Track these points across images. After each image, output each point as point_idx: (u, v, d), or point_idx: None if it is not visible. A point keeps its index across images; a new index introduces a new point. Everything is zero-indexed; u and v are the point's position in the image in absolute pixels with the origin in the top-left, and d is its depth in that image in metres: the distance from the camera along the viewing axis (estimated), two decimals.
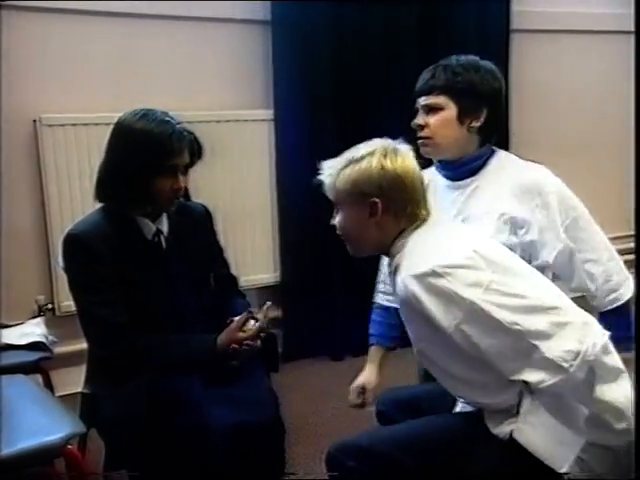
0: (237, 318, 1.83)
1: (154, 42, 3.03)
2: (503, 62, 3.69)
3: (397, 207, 1.52)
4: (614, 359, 1.39)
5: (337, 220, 1.59)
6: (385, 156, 1.53)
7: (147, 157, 1.71)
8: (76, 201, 2.86)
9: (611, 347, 1.39)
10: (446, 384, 1.51)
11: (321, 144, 3.25)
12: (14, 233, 2.83)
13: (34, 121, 2.80)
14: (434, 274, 1.38)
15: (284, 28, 3.17)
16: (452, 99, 1.80)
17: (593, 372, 1.35)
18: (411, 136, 3.33)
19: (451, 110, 1.81)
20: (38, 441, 1.55)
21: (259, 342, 1.84)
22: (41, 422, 1.65)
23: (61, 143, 2.83)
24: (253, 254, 3.31)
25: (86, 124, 2.85)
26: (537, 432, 1.38)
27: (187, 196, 1.89)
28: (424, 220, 1.55)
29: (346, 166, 1.55)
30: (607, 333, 1.39)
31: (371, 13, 3.29)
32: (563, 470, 1.34)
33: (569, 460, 1.35)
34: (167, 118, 1.76)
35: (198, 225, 1.98)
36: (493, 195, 1.82)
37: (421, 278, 1.39)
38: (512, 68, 3.73)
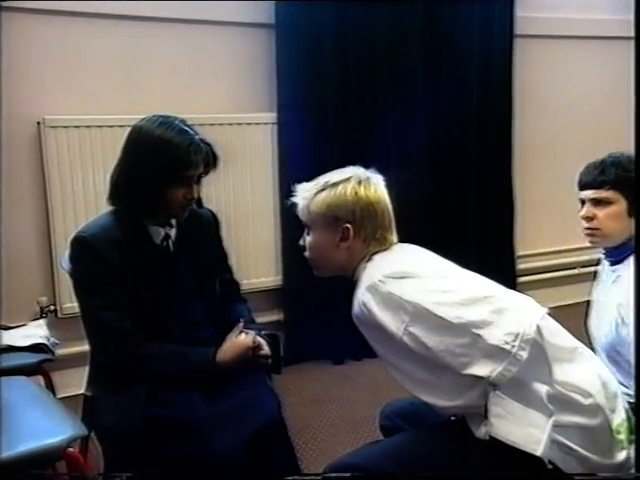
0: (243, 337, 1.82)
1: (158, 45, 3.03)
2: (507, 67, 3.71)
3: (367, 233, 1.60)
4: (564, 338, 1.51)
5: (307, 241, 1.66)
6: (359, 184, 1.60)
7: (163, 167, 1.71)
8: (79, 203, 2.86)
9: (558, 327, 1.51)
10: (414, 391, 1.54)
11: (325, 148, 3.26)
12: (17, 235, 2.84)
13: (38, 123, 2.81)
14: (381, 283, 1.47)
15: (288, 31, 3.17)
16: (622, 194, 1.80)
17: (542, 350, 1.42)
18: (415, 138, 3.40)
19: (621, 204, 1.81)
20: (39, 444, 1.55)
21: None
22: (42, 424, 1.65)
23: (65, 145, 2.83)
24: (255, 257, 3.31)
25: (89, 126, 2.85)
26: (506, 421, 1.40)
27: (200, 204, 1.89)
28: (391, 244, 1.63)
29: (321, 190, 1.62)
30: (544, 310, 1.47)
31: (375, 17, 3.30)
32: (539, 452, 1.37)
33: (542, 441, 1.38)
34: (186, 128, 1.75)
35: (206, 231, 1.98)
36: None
37: (370, 288, 1.48)
38: (515, 73, 3.74)
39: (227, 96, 3.20)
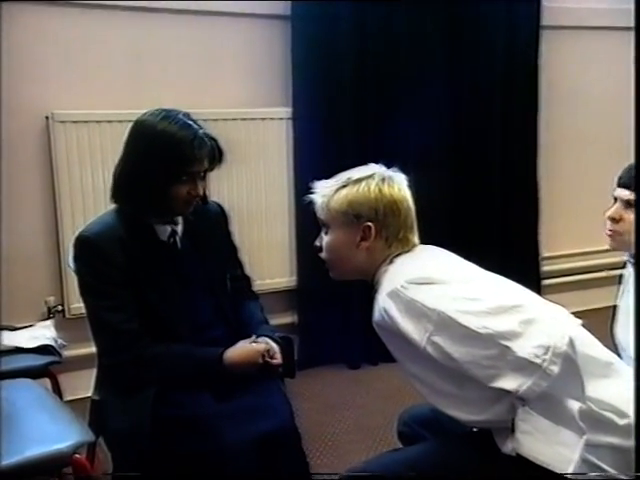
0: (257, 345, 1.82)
1: (169, 37, 3.03)
2: (533, 58, 3.68)
3: (389, 233, 1.58)
4: (598, 350, 1.44)
5: (324, 241, 1.64)
6: (383, 181, 1.59)
7: (166, 163, 1.71)
8: (88, 200, 2.88)
9: (593, 340, 1.44)
10: (436, 403, 1.52)
11: (341, 143, 3.25)
12: (24, 233, 2.86)
13: (46, 117, 2.82)
14: (403, 288, 1.45)
15: (304, 23, 3.16)
16: None
17: (575, 365, 1.38)
18: (435, 134, 3.38)
19: None
20: (45, 449, 1.56)
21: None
22: (49, 429, 1.66)
23: (74, 140, 2.84)
24: (269, 257, 3.31)
25: (99, 121, 2.86)
26: (534, 438, 1.38)
27: (204, 200, 1.87)
28: (413, 246, 1.61)
29: (343, 187, 1.60)
30: (578, 321, 1.44)
31: (395, 7, 3.27)
32: (569, 472, 1.34)
33: (573, 461, 1.35)
34: (189, 122, 1.75)
35: (214, 225, 1.98)
36: None
37: (392, 294, 1.46)
38: (542, 64, 3.70)
39: (241, 90, 3.20)
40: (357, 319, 3.38)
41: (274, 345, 1.85)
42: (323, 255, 1.66)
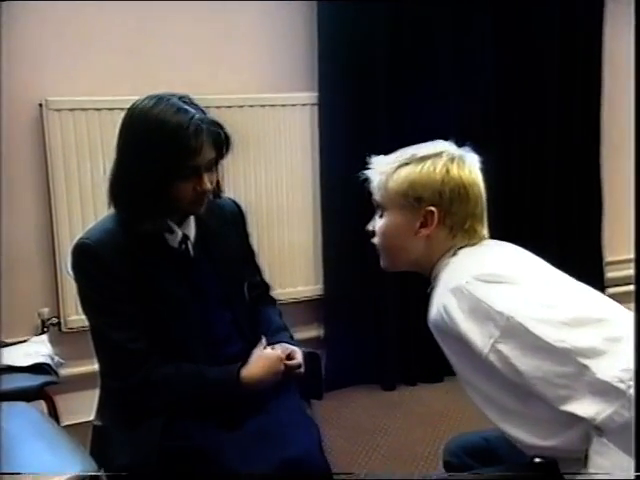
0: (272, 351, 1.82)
1: (176, 15, 3.03)
2: (595, 36, 3.66)
3: (454, 221, 1.56)
4: None
5: (378, 225, 1.62)
6: (452, 161, 1.57)
7: (161, 156, 1.66)
8: (87, 198, 2.90)
9: None
10: (498, 421, 1.50)
11: (373, 133, 3.24)
12: (14, 233, 2.87)
13: (39, 105, 2.84)
14: (469, 285, 1.43)
15: None
16: None
17: None
18: (481, 120, 3.34)
19: None
20: None
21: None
22: (45, 460, 1.66)
23: (70, 130, 2.86)
24: (291, 262, 3.32)
25: (99, 109, 2.88)
26: (611, 476, 1.35)
27: (218, 193, 1.84)
28: (481, 239, 1.59)
29: (405, 164, 1.58)
30: None
31: None
32: None
33: None
34: (185, 106, 1.68)
35: (230, 226, 1.96)
36: None
37: (455, 290, 1.44)
38: (605, 44, 3.68)
39: (259, 73, 3.20)
40: (392, 332, 3.38)
41: (290, 346, 1.86)
42: (375, 241, 1.64)
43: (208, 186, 1.72)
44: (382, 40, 3.24)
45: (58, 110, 2.84)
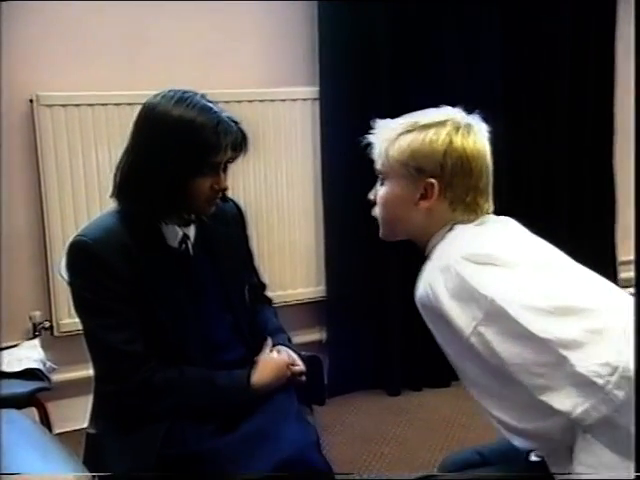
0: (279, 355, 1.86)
1: (174, 7, 3.03)
2: (609, 16, 3.65)
3: (455, 194, 1.55)
4: None
5: (379, 194, 1.63)
6: (457, 130, 1.56)
7: (185, 154, 1.70)
8: (80, 196, 2.90)
9: None
10: (481, 399, 1.51)
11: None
12: (5, 234, 2.86)
13: (30, 100, 2.84)
14: (457, 264, 1.43)
15: None
16: None
17: None
18: (487, 109, 3.31)
19: None
20: None
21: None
22: (37, 469, 1.65)
23: (62, 127, 2.86)
24: (292, 263, 3.32)
25: (92, 104, 2.87)
26: (598, 475, 1.36)
27: (225, 197, 1.87)
28: (483, 214, 1.59)
29: (407, 132, 1.58)
30: None
31: None
32: None
33: None
34: (210, 105, 1.75)
35: (232, 228, 1.98)
36: None
37: (443, 269, 1.45)
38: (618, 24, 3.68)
39: (258, 67, 3.21)
40: (397, 335, 3.38)
41: (291, 352, 1.91)
42: (375, 210, 1.65)
43: (225, 185, 1.79)
44: (384, 33, 3.24)
45: (49, 106, 2.84)
